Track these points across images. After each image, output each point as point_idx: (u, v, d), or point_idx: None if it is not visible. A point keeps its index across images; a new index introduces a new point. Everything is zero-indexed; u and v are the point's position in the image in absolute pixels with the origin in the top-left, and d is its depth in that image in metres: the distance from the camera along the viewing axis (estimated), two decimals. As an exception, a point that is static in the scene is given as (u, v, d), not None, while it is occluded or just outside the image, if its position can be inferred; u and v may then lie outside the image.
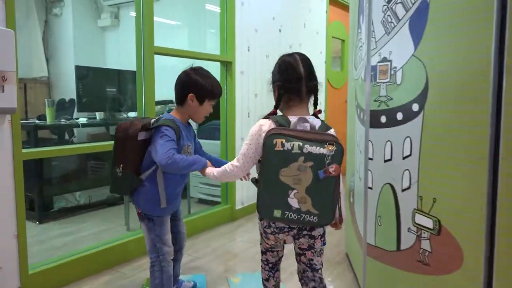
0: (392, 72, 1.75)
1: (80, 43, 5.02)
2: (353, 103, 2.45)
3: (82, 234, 3.05)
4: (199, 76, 1.77)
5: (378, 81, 1.84)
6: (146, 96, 2.58)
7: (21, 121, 2.06)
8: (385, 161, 1.80)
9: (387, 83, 1.78)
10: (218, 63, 3.32)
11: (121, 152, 1.72)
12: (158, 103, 3.80)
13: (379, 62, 1.82)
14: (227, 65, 3.30)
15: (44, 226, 3.23)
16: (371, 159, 1.91)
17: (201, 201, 3.84)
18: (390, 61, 1.77)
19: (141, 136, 1.70)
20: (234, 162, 1.54)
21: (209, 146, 3.77)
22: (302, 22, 4.16)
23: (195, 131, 2.02)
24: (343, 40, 5.16)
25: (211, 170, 1.66)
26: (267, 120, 1.48)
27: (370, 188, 1.93)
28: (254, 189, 1.44)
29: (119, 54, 5.07)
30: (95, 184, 3.81)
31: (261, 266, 1.70)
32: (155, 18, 2.61)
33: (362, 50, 2.10)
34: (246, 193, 3.54)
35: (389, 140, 1.78)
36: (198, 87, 1.76)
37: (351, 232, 2.40)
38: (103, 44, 5.26)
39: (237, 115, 3.39)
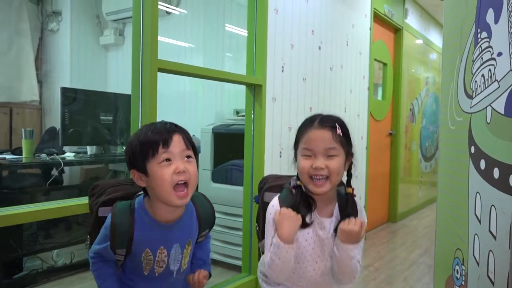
0: None
1: (78, 63, 4.33)
2: (461, 144, 1.56)
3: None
4: (130, 139, 1.11)
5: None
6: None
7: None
8: None
9: None
10: (244, 87, 2.55)
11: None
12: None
13: None
14: (256, 89, 2.50)
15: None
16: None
17: (215, 262, 2.96)
18: None
19: (103, 212, 1.15)
20: None
21: (225, 192, 2.89)
22: (345, 39, 3.39)
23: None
24: (385, 64, 4.37)
25: None
26: None
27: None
28: None
29: (123, 76, 4.35)
30: (80, 239, 2.98)
31: None
32: (160, 38, 1.86)
33: (493, 65, 1.29)
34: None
35: None
36: (129, 155, 1.08)
37: None
38: (105, 65, 4.55)
39: (267, 154, 2.57)
